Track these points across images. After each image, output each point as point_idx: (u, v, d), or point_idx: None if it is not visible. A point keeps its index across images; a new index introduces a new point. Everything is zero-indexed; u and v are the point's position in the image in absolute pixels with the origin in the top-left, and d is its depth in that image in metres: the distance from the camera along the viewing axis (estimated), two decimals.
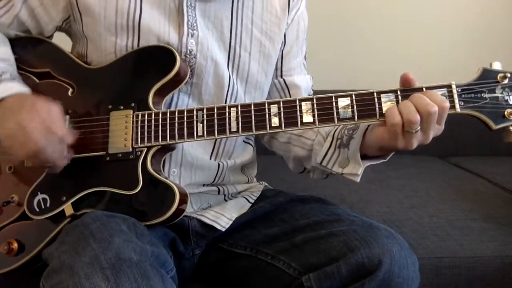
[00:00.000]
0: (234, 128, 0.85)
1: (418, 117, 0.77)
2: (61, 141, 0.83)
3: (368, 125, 0.87)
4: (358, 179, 0.89)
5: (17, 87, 0.87)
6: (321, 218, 0.92)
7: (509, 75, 0.81)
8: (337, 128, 0.95)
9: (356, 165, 0.88)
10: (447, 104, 0.78)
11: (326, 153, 0.94)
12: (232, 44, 0.97)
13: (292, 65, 1.07)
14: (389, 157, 0.89)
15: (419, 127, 0.78)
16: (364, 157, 0.89)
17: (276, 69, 1.06)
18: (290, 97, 1.05)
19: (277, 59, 1.05)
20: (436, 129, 0.80)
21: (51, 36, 1.02)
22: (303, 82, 1.07)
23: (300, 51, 1.08)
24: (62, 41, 1.02)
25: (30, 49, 0.99)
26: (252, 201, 1.04)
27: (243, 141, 1.08)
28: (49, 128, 0.81)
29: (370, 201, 1.47)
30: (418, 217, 1.37)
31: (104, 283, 0.66)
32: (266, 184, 1.15)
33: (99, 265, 0.68)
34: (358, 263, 0.80)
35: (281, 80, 1.06)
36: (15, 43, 0.99)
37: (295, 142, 1.02)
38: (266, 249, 0.93)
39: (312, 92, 1.10)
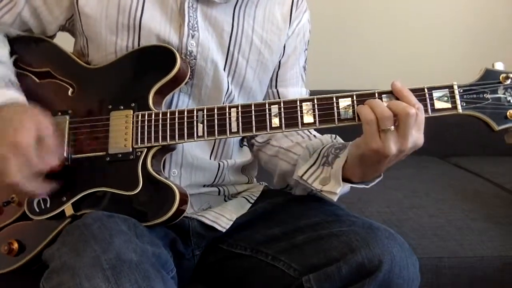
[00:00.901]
0: (234, 129, 0.85)
1: (390, 112, 0.77)
2: (38, 174, 0.82)
3: None
4: (335, 198, 0.88)
5: (10, 95, 0.87)
6: (321, 218, 0.92)
7: (511, 75, 0.80)
8: (325, 146, 0.94)
9: (336, 184, 0.87)
10: (420, 105, 0.78)
11: (309, 168, 0.92)
12: (231, 49, 0.97)
13: (288, 76, 1.06)
14: (371, 184, 0.89)
15: (393, 126, 0.77)
16: (347, 180, 0.88)
17: (271, 79, 1.06)
18: None
19: (274, 69, 1.05)
20: (414, 137, 0.78)
21: (53, 36, 1.02)
22: (296, 96, 1.05)
23: (297, 62, 1.07)
24: (63, 41, 1.02)
25: (30, 48, 0.99)
26: (252, 201, 1.04)
27: (240, 146, 1.07)
28: (30, 160, 0.80)
29: (370, 201, 1.47)
30: (418, 217, 1.37)
31: (104, 284, 0.66)
32: (266, 184, 1.15)
33: (100, 266, 0.68)
34: (359, 263, 0.80)
35: (274, 90, 1.06)
36: (15, 42, 0.99)
37: (282, 155, 1.01)
38: (266, 250, 0.93)
39: None
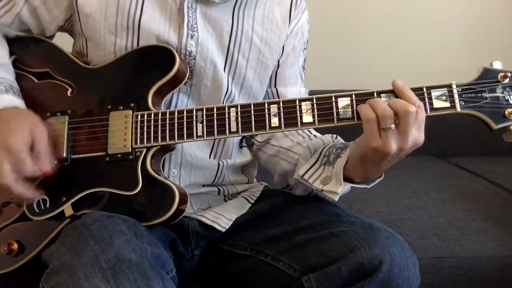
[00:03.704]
0: (233, 128, 0.85)
1: (391, 111, 0.76)
2: (29, 178, 0.82)
3: None
4: (336, 198, 0.87)
5: (8, 101, 0.87)
6: (321, 218, 0.92)
7: (509, 74, 0.80)
8: (326, 146, 0.94)
9: (337, 183, 0.86)
10: (420, 103, 0.78)
11: (310, 168, 0.92)
12: (231, 49, 0.97)
13: (287, 75, 1.06)
14: (372, 184, 0.88)
15: (393, 124, 0.77)
16: (348, 180, 0.87)
17: (270, 78, 1.06)
18: None
19: (273, 68, 1.05)
20: (415, 136, 0.78)
21: (52, 36, 1.02)
22: (295, 95, 1.05)
23: (296, 61, 1.07)
24: (63, 41, 1.02)
25: (29, 49, 0.99)
26: (252, 201, 1.04)
27: (239, 147, 1.07)
28: (22, 164, 0.80)
29: (369, 201, 1.47)
30: (418, 217, 1.37)
31: (103, 284, 0.66)
32: (266, 184, 1.14)
33: (98, 266, 0.68)
34: (359, 263, 0.80)
35: (274, 89, 1.06)
36: (15, 42, 0.99)
37: (282, 155, 1.01)
38: (266, 250, 0.93)
39: None
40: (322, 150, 0.93)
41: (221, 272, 1.00)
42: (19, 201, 0.90)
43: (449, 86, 0.81)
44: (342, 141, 0.97)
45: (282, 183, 1.05)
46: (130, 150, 0.87)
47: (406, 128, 0.77)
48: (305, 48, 1.09)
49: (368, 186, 0.89)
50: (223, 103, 0.97)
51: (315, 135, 1.02)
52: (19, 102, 0.89)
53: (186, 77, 0.92)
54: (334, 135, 0.99)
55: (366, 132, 0.79)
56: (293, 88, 1.07)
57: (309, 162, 0.93)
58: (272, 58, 1.02)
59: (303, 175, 0.92)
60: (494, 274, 1.21)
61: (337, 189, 0.86)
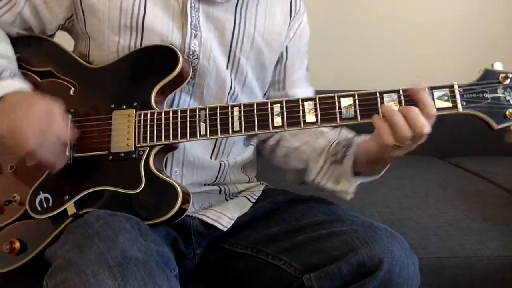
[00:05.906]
0: (236, 128, 0.85)
1: (411, 133, 0.78)
2: (57, 142, 0.83)
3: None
4: (348, 197, 0.91)
5: (17, 85, 0.87)
6: (321, 218, 0.92)
7: (510, 75, 0.81)
8: (332, 143, 0.96)
9: (348, 183, 0.90)
10: (434, 111, 0.80)
11: (320, 171, 0.96)
12: (233, 47, 0.97)
13: (295, 78, 1.08)
14: (380, 174, 0.91)
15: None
16: (356, 174, 0.90)
17: (279, 81, 1.07)
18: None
19: (280, 72, 1.06)
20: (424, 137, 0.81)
21: (53, 35, 1.02)
22: (305, 95, 1.06)
23: (302, 63, 1.09)
24: (64, 40, 1.02)
25: (32, 48, 1.00)
26: (253, 200, 1.04)
27: (244, 145, 1.08)
28: (44, 128, 0.81)
29: (370, 201, 1.47)
30: (418, 217, 1.37)
31: (111, 281, 0.66)
32: (267, 184, 1.15)
33: (105, 263, 0.68)
34: (359, 262, 0.80)
35: (283, 93, 1.07)
36: (17, 42, 0.99)
37: (292, 155, 1.03)
38: (267, 249, 0.93)
39: None
40: (329, 149, 0.96)
41: (221, 271, 1.00)
42: (22, 199, 0.90)
43: (451, 87, 0.82)
44: (346, 133, 0.99)
45: (297, 180, 1.07)
46: (133, 149, 0.87)
47: (419, 140, 0.80)
48: (307, 49, 1.10)
49: (377, 177, 0.91)
50: (226, 102, 0.98)
51: (321, 132, 1.03)
52: (26, 86, 0.89)
53: (189, 77, 0.92)
54: (338, 129, 1.01)
55: (380, 147, 0.82)
56: (303, 90, 1.08)
57: (318, 165, 0.96)
58: (269, 57, 1.02)
59: (314, 179, 0.96)
60: (494, 274, 1.21)
61: (348, 189, 0.90)
